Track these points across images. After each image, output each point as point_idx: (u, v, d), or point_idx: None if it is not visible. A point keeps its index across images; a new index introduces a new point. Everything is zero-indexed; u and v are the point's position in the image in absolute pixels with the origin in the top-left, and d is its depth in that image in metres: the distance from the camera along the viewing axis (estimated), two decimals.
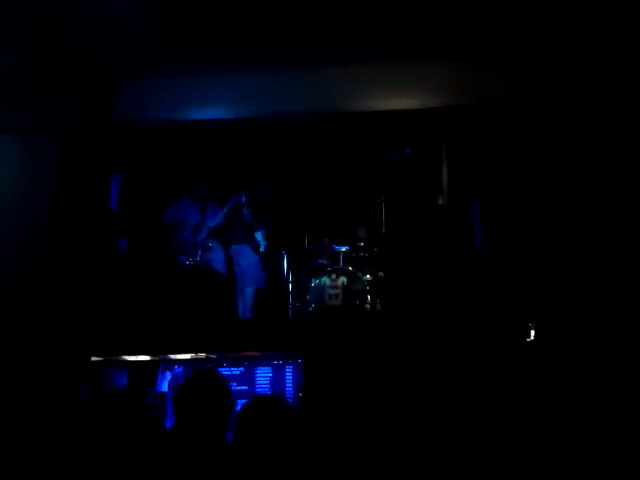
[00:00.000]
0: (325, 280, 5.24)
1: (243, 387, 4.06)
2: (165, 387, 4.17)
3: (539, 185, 5.00)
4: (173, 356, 4.22)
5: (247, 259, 5.74)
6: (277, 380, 4.04)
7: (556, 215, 4.76)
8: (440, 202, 5.69)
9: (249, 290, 5.60)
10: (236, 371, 4.13)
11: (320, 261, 5.48)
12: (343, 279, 5.22)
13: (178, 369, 4.20)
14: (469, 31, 4.70)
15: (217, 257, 5.68)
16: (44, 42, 4.80)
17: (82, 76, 5.18)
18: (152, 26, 4.56)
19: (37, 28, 4.63)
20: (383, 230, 5.32)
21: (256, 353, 4.18)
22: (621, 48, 4.49)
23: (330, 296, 5.13)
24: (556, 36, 4.65)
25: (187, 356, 4.23)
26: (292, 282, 5.47)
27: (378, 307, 5.17)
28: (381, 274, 5.35)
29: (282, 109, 5.57)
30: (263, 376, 4.06)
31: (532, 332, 3.98)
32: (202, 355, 4.22)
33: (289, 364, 4.06)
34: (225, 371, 4.10)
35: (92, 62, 5.10)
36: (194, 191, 5.85)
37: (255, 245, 5.77)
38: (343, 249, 5.52)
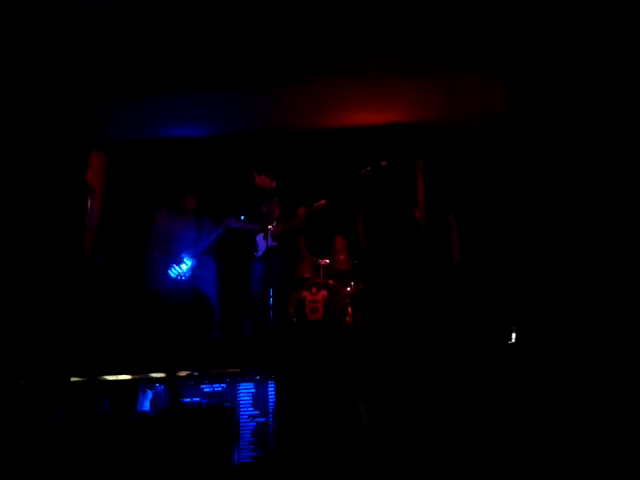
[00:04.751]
0: (306, 294, 5.26)
1: (226, 404, 4.04)
2: (147, 406, 4.13)
3: (514, 194, 5.10)
4: (154, 374, 4.18)
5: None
6: (260, 395, 4.03)
7: (531, 222, 4.86)
8: (416, 214, 5.76)
9: None
10: (218, 387, 4.11)
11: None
12: (323, 292, 5.24)
13: (159, 387, 4.17)
14: (445, 50, 4.79)
15: (207, 273, 5.63)
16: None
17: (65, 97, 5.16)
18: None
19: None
20: (362, 242, 5.36)
21: (237, 370, 4.17)
22: (595, 69, 4.62)
23: (311, 310, 5.15)
24: (528, 57, 4.76)
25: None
26: (273, 296, 5.47)
27: (359, 319, 5.20)
28: (361, 286, 5.38)
29: (260, 125, 5.63)
30: (245, 392, 4.05)
31: (513, 335, 4.06)
32: (183, 373, 4.20)
33: (271, 379, 4.06)
34: (207, 388, 4.09)
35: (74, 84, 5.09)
36: (185, 206, 5.77)
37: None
38: (323, 262, 5.55)
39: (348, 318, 5.17)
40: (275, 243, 5.45)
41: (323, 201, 5.39)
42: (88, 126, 5.57)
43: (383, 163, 5.37)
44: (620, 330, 3.82)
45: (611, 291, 4.10)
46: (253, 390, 4.06)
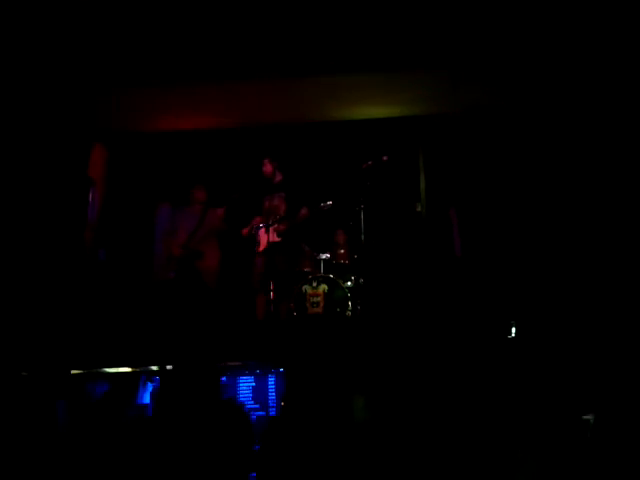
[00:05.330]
0: (306, 288, 5.27)
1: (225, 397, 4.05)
2: (147, 399, 4.14)
3: (515, 188, 5.10)
4: (154, 367, 4.20)
5: None
6: (260, 389, 4.04)
7: (532, 218, 4.87)
8: (418, 209, 5.77)
9: None
10: None
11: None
12: (324, 286, 5.25)
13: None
14: (446, 43, 4.77)
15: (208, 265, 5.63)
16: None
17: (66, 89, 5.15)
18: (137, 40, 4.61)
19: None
20: (362, 237, 5.36)
21: (238, 363, 4.18)
22: (595, 63, 4.62)
23: (312, 304, 5.16)
24: (530, 49, 4.75)
25: (169, 367, 4.21)
26: (274, 290, 5.47)
27: (359, 313, 5.21)
28: (362, 281, 5.39)
29: (260, 119, 5.62)
30: (246, 385, 4.06)
31: (513, 329, 4.08)
32: None
33: (271, 373, 4.07)
34: None
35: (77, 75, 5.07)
36: (194, 197, 5.77)
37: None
38: (324, 256, 5.55)
39: (348, 312, 5.18)
40: (277, 239, 5.47)
41: (330, 202, 5.38)
42: (89, 119, 5.57)
43: (384, 158, 5.36)
44: (621, 325, 3.83)
45: (612, 286, 4.11)
46: (253, 384, 4.07)
